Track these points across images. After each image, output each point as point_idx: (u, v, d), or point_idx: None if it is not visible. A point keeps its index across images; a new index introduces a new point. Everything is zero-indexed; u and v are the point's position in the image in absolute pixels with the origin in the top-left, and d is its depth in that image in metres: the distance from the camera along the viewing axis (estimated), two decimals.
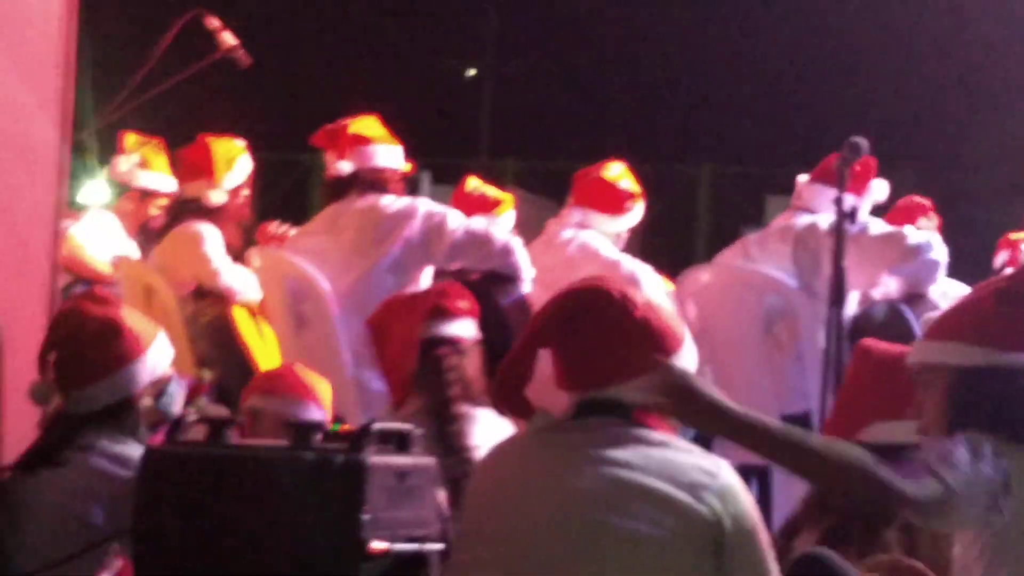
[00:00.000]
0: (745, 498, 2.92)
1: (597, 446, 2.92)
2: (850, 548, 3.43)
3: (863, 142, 4.86)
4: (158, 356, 3.81)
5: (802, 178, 5.76)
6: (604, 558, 2.87)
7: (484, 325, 5.38)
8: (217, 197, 5.95)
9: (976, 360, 3.09)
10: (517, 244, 5.49)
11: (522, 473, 3.02)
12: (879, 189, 5.60)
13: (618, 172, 6.18)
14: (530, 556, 2.94)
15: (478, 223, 5.54)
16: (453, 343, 4.20)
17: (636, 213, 6.20)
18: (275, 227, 6.58)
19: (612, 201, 6.12)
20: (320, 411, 4.53)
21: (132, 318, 3.83)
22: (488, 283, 5.44)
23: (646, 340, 2.96)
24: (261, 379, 4.67)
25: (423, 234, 5.40)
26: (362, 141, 5.53)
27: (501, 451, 3.17)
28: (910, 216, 6.64)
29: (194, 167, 6.01)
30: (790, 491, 5.32)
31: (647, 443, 2.91)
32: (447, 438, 4.04)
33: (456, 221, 5.43)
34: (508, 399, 3.13)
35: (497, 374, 3.14)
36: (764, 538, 2.95)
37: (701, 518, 2.85)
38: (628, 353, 2.95)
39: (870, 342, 3.72)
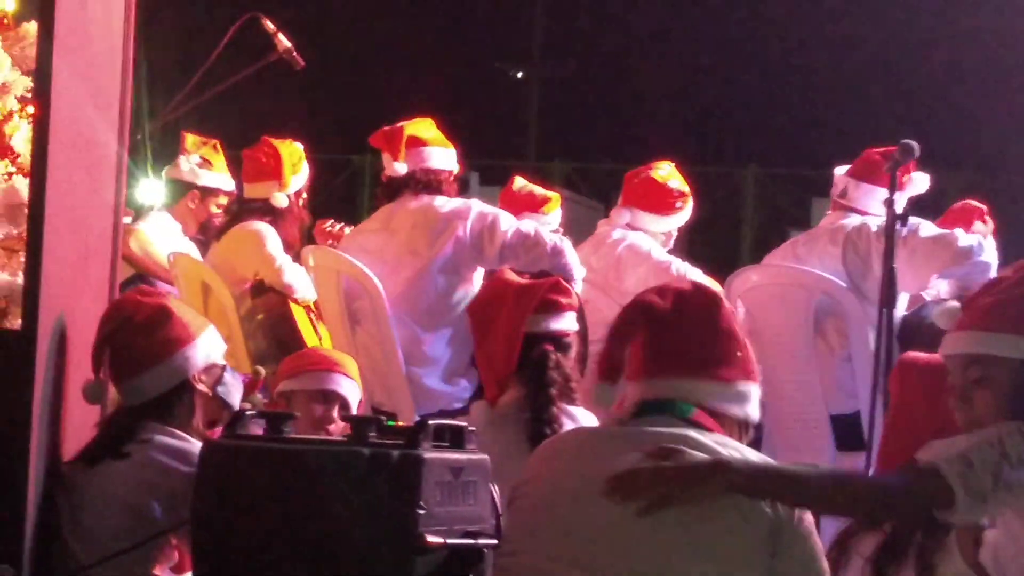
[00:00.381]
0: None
1: (657, 443, 2.94)
2: (910, 552, 3.43)
3: (915, 144, 4.87)
4: (209, 343, 3.85)
5: (840, 170, 5.75)
6: (655, 550, 2.89)
7: None
8: (282, 200, 6.05)
9: None
10: (567, 246, 5.52)
11: (577, 467, 3.04)
12: (920, 181, 5.60)
13: (667, 172, 6.20)
14: (582, 547, 2.95)
15: (529, 225, 5.58)
16: (557, 339, 4.15)
17: (685, 213, 6.22)
18: (329, 225, 6.65)
19: (661, 201, 6.14)
20: (349, 380, 4.58)
21: (181, 308, 3.89)
22: None
23: (730, 350, 3.03)
24: (286, 363, 4.72)
25: (475, 235, 5.45)
26: (418, 143, 5.59)
27: (560, 443, 3.20)
28: (966, 220, 6.60)
29: (262, 168, 6.10)
30: None
31: (703, 444, 2.94)
32: (540, 439, 4.02)
33: (508, 223, 5.47)
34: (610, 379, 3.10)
35: (600, 359, 3.12)
36: (818, 541, 2.97)
37: (760, 516, 2.89)
38: (710, 353, 3.01)
39: (912, 356, 3.68)
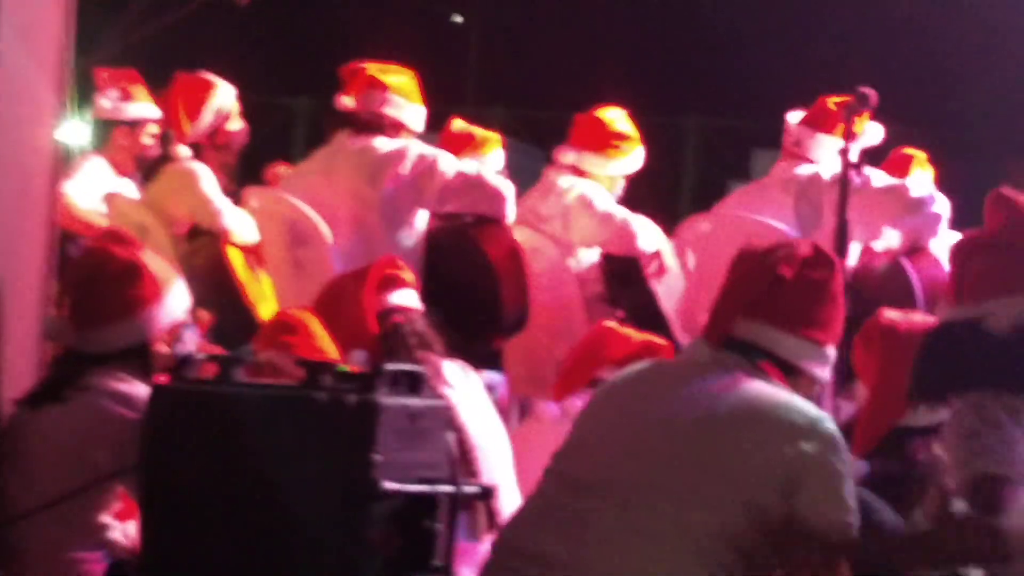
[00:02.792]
0: (836, 454, 2.97)
1: (712, 378, 3.05)
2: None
3: (870, 93, 4.82)
4: (175, 302, 3.78)
5: (793, 117, 5.70)
6: (675, 475, 2.95)
7: (475, 274, 5.37)
8: (183, 151, 5.84)
9: (948, 316, 3.24)
10: (508, 189, 5.44)
11: (644, 387, 3.14)
12: (872, 132, 5.56)
13: (615, 116, 6.12)
14: (604, 471, 3.01)
15: (470, 167, 5.50)
16: (405, 311, 4.19)
17: (630, 159, 6.09)
18: (284, 171, 6.50)
19: (604, 141, 6.04)
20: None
21: (153, 262, 3.80)
22: (479, 231, 5.41)
23: (832, 315, 3.11)
24: (272, 332, 4.30)
25: (414, 175, 5.37)
26: (375, 85, 5.48)
27: (639, 370, 3.25)
28: (904, 169, 6.54)
29: (166, 116, 5.94)
30: None
31: (754, 384, 3.02)
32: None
33: (448, 164, 5.39)
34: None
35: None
36: (847, 497, 2.98)
37: (785, 458, 2.93)
38: (815, 315, 3.10)
39: (892, 322, 3.69)
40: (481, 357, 5.51)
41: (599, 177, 6.07)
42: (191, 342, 3.85)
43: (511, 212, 5.42)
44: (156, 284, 3.73)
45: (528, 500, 3.15)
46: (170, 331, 3.78)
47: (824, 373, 3.12)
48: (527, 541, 3.03)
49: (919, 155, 6.64)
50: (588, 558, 2.94)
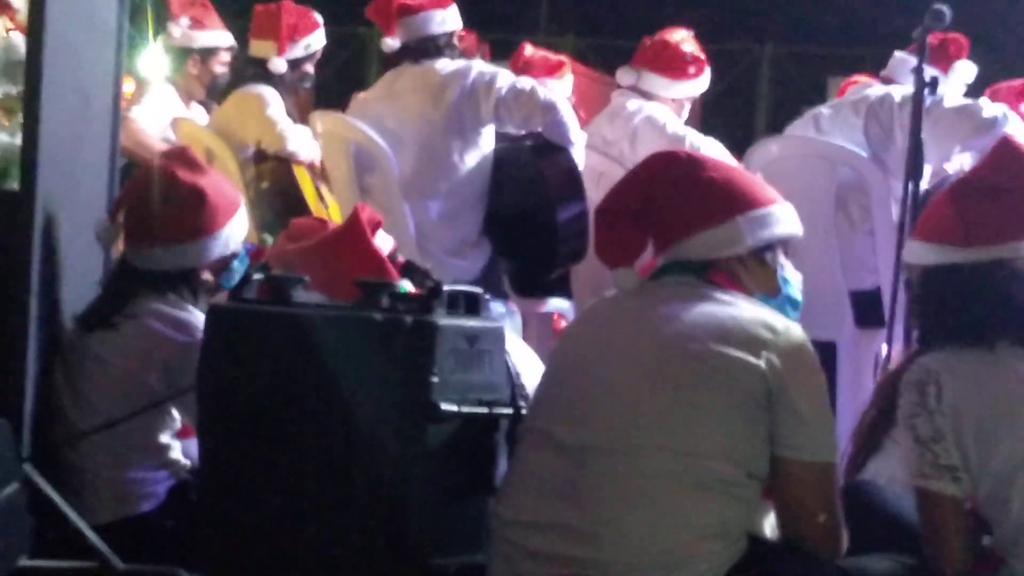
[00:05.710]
0: (805, 357, 2.90)
1: (665, 303, 2.98)
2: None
3: (945, 10, 4.68)
4: (233, 232, 3.76)
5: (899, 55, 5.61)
6: (655, 413, 2.87)
7: (530, 198, 5.34)
8: (279, 65, 5.88)
9: (936, 259, 3.10)
10: (564, 104, 5.39)
11: (599, 328, 3.08)
12: (966, 70, 5.42)
13: (683, 36, 6.02)
14: (584, 411, 2.94)
15: (526, 81, 5.46)
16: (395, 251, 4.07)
17: (698, 82, 6.00)
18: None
19: (671, 63, 5.95)
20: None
21: (218, 189, 3.76)
22: (536, 152, 5.39)
23: (714, 195, 3.03)
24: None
25: (473, 90, 5.35)
26: (408, 11, 5.46)
27: (588, 312, 3.21)
28: (1018, 99, 6.27)
29: (263, 27, 5.96)
30: (857, 373, 5.24)
31: (712, 301, 2.96)
32: None
33: (505, 78, 5.37)
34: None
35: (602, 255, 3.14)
36: (820, 399, 2.91)
37: (752, 374, 2.85)
38: (696, 208, 3.02)
39: None
40: (542, 285, 5.50)
41: (664, 99, 5.99)
42: (237, 272, 3.80)
43: (575, 133, 5.36)
44: (215, 215, 3.71)
45: (514, 469, 3.03)
46: (222, 260, 3.76)
47: (741, 246, 3.00)
48: (532, 513, 2.93)
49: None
50: (597, 520, 2.84)
